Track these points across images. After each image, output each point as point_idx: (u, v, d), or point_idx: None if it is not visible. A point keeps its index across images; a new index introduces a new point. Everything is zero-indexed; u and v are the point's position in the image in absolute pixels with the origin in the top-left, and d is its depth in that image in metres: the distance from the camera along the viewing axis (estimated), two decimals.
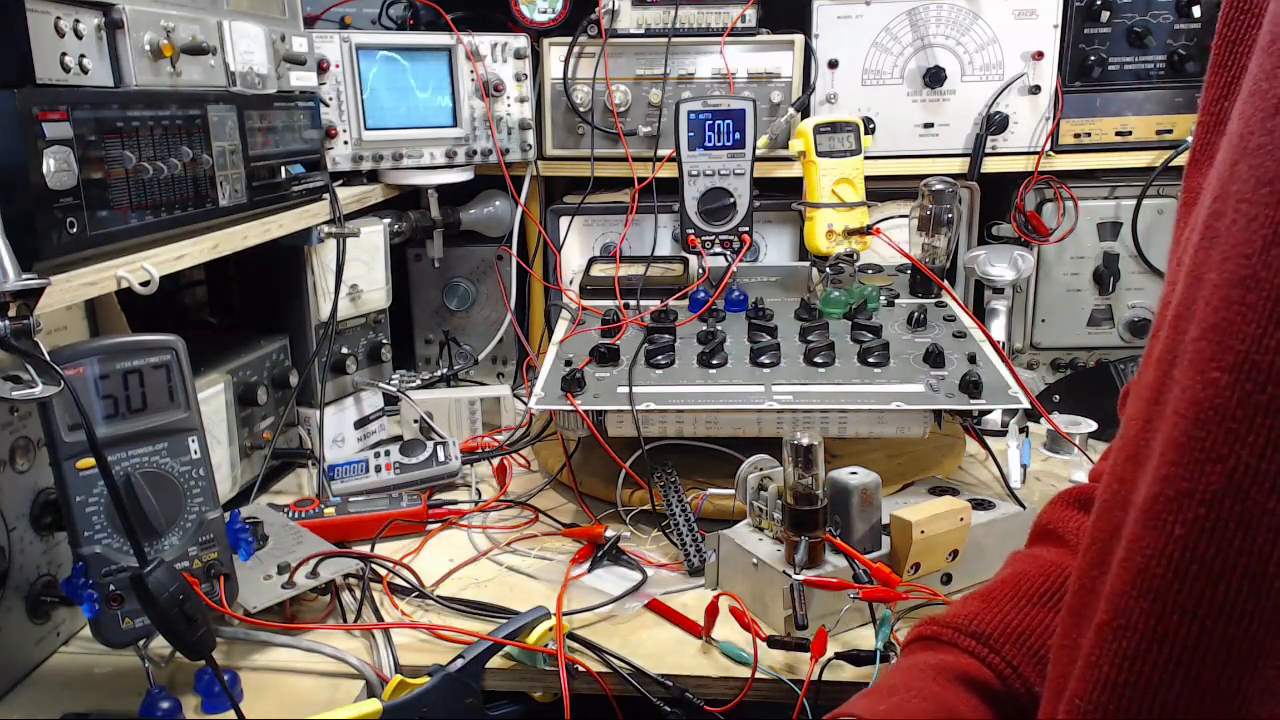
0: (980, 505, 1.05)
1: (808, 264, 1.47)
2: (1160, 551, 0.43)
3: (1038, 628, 0.66)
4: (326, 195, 1.30)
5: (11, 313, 0.71)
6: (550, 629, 0.93)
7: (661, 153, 1.56)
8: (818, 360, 1.17)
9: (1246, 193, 0.43)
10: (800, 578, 0.91)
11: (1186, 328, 0.45)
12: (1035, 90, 1.53)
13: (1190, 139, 1.63)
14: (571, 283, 1.53)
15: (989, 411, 1.26)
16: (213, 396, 1.16)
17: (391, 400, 1.50)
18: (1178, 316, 0.47)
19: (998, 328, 1.47)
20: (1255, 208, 0.42)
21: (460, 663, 0.90)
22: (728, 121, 1.36)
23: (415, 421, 1.44)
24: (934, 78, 1.52)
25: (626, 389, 1.13)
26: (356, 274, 1.39)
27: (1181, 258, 0.50)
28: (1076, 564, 0.52)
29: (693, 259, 1.48)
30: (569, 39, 1.54)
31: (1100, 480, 0.77)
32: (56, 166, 0.77)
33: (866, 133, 1.41)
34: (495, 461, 1.36)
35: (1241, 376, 0.41)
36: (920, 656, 0.68)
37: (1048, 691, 0.53)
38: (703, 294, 1.35)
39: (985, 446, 1.27)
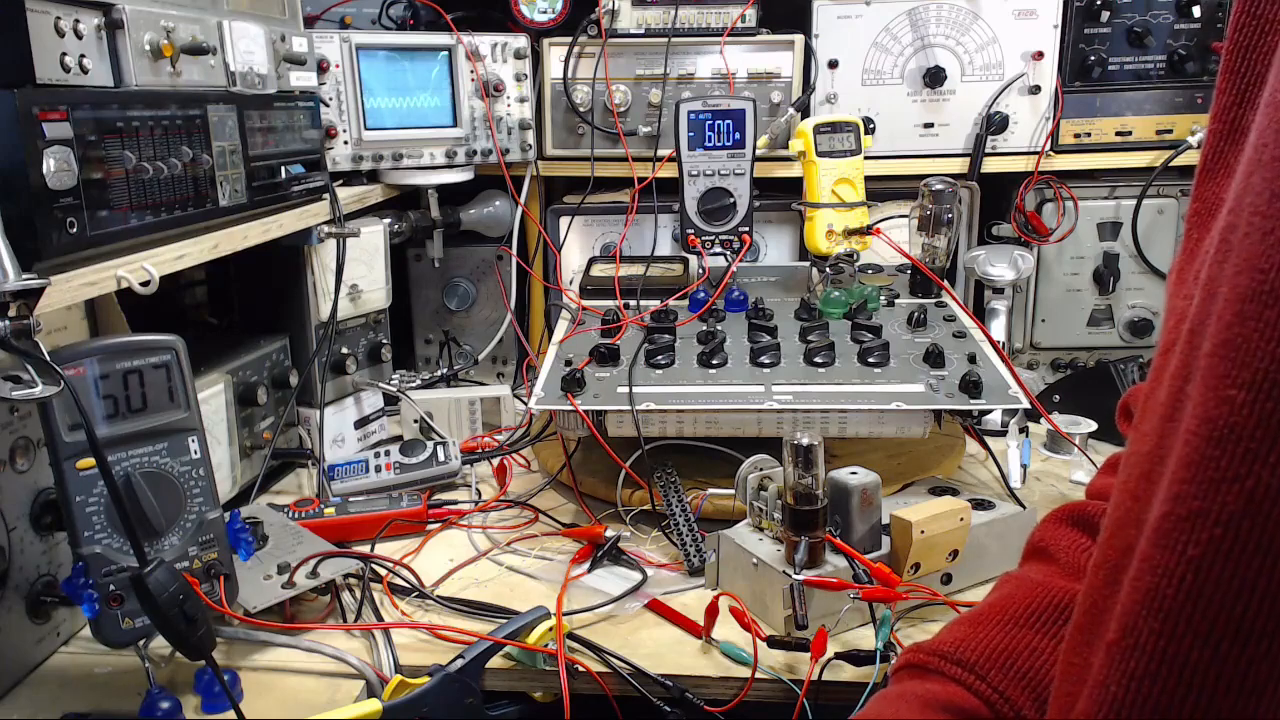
0: (980, 505, 1.05)
1: (808, 264, 1.47)
2: (1172, 572, 0.42)
3: (1024, 650, 0.65)
4: (326, 195, 1.30)
5: (11, 313, 0.71)
6: (550, 629, 0.93)
7: (661, 153, 1.56)
8: (818, 360, 1.17)
9: (1261, 205, 0.42)
10: (800, 578, 0.91)
11: (1200, 343, 0.44)
12: (1035, 90, 1.53)
13: (1189, 139, 1.63)
14: (571, 283, 1.53)
15: (989, 411, 1.26)
16: (213, 396, 1.16)
17: (391, 400, 1.50)
18: (1192, 332, 0.46)
19: (998, 328, 1.47)
20: (1270, 221, 0.42)
21: (460, 663, 0.90)
22: (728, 121, 1.36)
23: (415, 421, 1.44)
24: (934, 78, 1.52)
25: (626, 389, 1.13)
26: (356, 274, 1.39)
27: (1198, 271, 0.49)
28: (1085, 582, 0.51)
29: (693, 259, 1.48)
30: (569, 39, 1.54)
31: (1100, 496, 0.76)
32: (56, 166, 0.77)
33: (866, 133, 1.41)
34: (495, 461, 1.36)
35: (1261, 395, 0.40)
36: (907, 685, 0.67)
37: (1052, 711, 0.52)
38: (703, 294, 1.35)
39: (985, 446, 1.27)
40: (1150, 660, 0.42)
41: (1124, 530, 0.48)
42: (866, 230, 1.37)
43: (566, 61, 1.55)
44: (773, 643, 0.89)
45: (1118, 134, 1.54)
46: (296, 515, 1.15)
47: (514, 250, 1.63)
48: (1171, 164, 1.51)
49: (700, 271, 1.41)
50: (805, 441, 0.92)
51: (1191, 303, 0.48)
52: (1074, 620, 0.52)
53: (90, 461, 0.81)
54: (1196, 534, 0.41)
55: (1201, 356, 0.44)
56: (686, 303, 1.37)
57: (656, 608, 1.00)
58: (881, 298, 1.35)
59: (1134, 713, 0.43)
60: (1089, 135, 1.55)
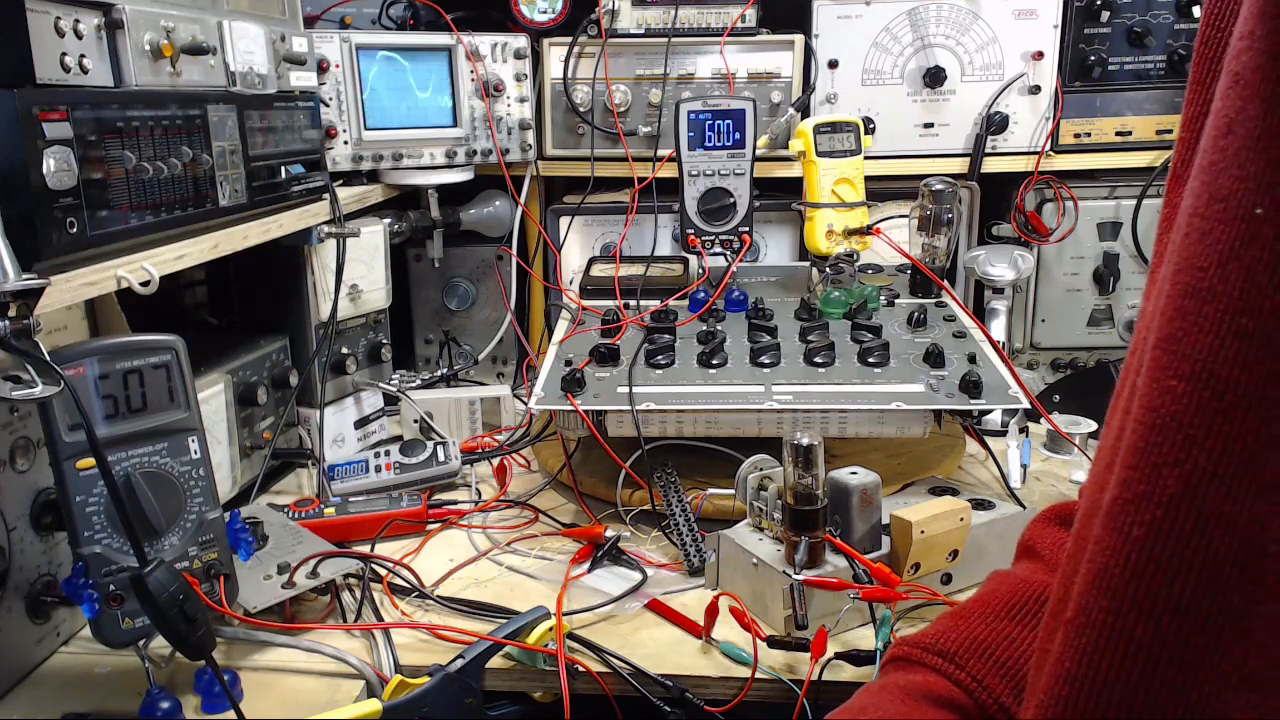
0: (980, 505, 1.05)
1: (808, 264, 1.47)
2: (1118, 551, 0.45)
3: (1003, 641, 0.67)
4: (326, 195, 1.30)
5: (11, 313, 0.71)
6: (550, 629, 0.93)
7: (661, 153, 1.56)
8: (818, 360, 1.17)
9: (1200, 207, 0.45)
10: (800, 578, 0.91)
11: (1149, 338, 0.47)
12: (1035, 90, 1.53)
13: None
14: (571, 283, 1.53)
15: (989, 411, 1.27)
16: (213, 396, 1.16)
17: (391, 400, 1.50)
18: (1147, 329, 0.48)
19: (998, 328, 1.47)
20: (1208, 222, 0.44)
21: (460, 663, 0.90)
22: (728, 121, 1.36)
23: (415, 421, 1.44)
24: (934, 78, 1.52)
25: (626, 389, 1.13)
26: (356, 274, 1.39)
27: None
28: (1059, 571, 0.53)
29: (693, 259, 1.48)
30: (569, 39, 1.54)
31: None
32: (56, 166, 0.77)
33: (866, 133, 1.41)
34: (495, 461, 1.36)
35: (1199, 385, 0.43)
36: (892, 678, 0.70)
37: (1028, 695, 0.54)
38: (703, 294, 1.35)
39: (985, 446, 1.27)
40: (1099, 636, 0.45)
41: (1090, 519, 0.50)
42: (866, 230, 1.37)
43: (566, 61, 1.55)
44: (773, 643, 0.89)
45: (1118, 134, 1.54)
46: (296, 515, 1.15)
47: (514, 250, 1.63)
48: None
49: (700, 271, 1.41)
50: (805, 441, 0.92)
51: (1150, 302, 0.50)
52: (1048, 607, 0.54)
53: (90, 461, 0.81)
54: (1140, 515, 0.44)
55: (1147, 350, 0.46)
56: (686, 303, 1.37)
57: (656, 608, 1.00)
58: (881, 298, 1.35)
59: (1086, 685, 0.45)
60: (1089, 135, 1.55)
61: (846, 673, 0.88)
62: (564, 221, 1.65)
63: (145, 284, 0.88)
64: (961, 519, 0.98)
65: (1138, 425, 0.45)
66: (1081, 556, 0.48)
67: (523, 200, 1.61)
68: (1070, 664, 0.46)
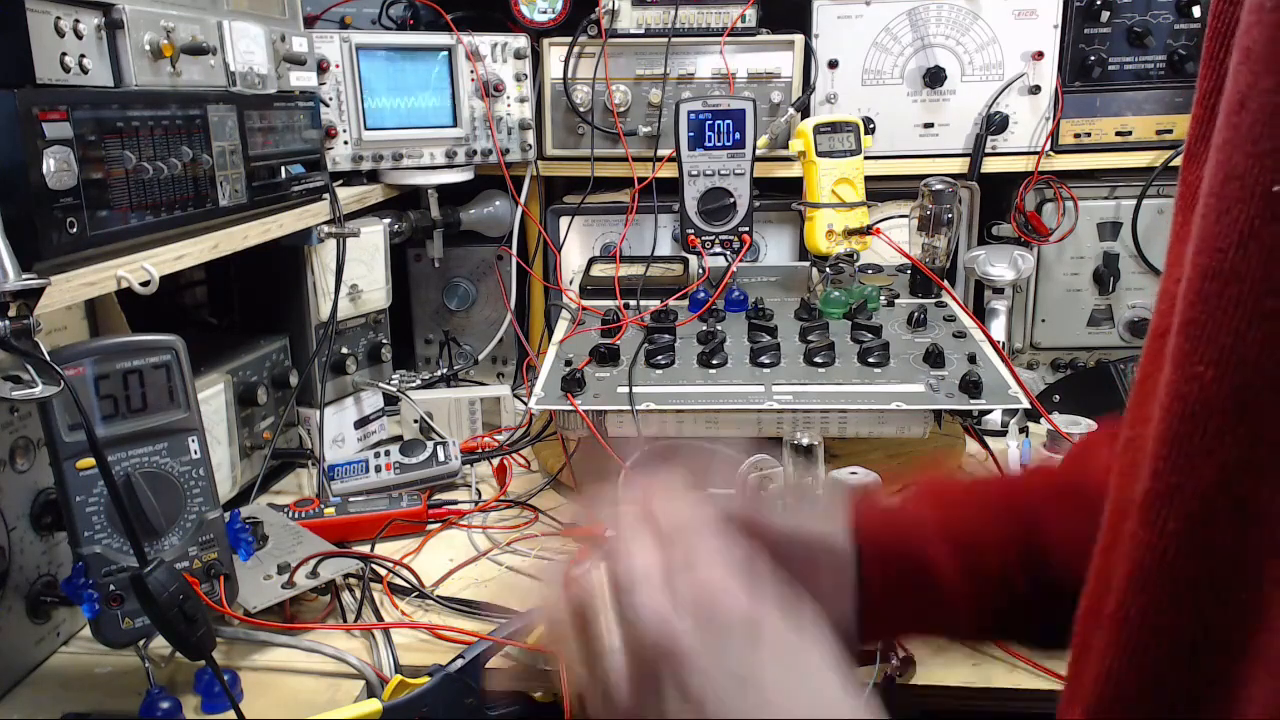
0: None
1: (808, 264, 1.47)
2: (1154, 546, 0.44)
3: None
4: (326, 195, 1.30)
5: (11, 313, 0.71)
6: None
7: (661, 153, 1.56)
8: (818, 360, 1.17)
9: (1216, 187, 0.44)
10: None
11: (1171, 324, 0.46)
12: (1035, 90, 1.53)
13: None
14: (571, 283, 1.53)
15: (989, 411, 1.27)
16: (213, 396, 1.16)
17: (391, 400, 1.50)
18: (1168, 308, 0.48)
19: (998, 328, 1.47)
20: (1225, 202, 0.43)
21: (460, 663, 0.90)
22: (728, 121, 1.36)
23: (415, 421, 1.44)
24: (934, 78, 1.52)
25: (626, 389, 1.13)
26: (356, 274, 1.39)
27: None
28: (1093, 562, 0.53)
29: (693, 259, 1.48)
30: (569, 39, 1.54)
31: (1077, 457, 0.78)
32: (56, 166, 0.77)
33: (866, 133, 1.41)
34: (495, 461, 1.36)
35: (1227, 370, 0.42)
36: None
37: (1066, 691, 0.53)
38: (703, 294, 1.35)
39: (985, 446, 1.27)
40: (1136, 631, 0.44)
41: (1123, 511, 0.49)
42: (866, 230, 1.37)
43: (566, 61, 1.55)
44: None
45: (1118, 134, 1.54)
46: (296, 515, 1.15)
47: (514, 250, 1.63)
48: (1171, 164, 1.50)
49: (700, 271, 1.41)
50: (805, 441, 0.92)
51: (1175, 285, 0.49)
52: (1083, 604, 0.53)
53: (90, 461, 0.81)
54: (1175, 508, 0.43)
55: (1171, 336, 0.45)
56: (686, 303, 1.37)
57: None
58: (881, 298, 1.35)
59: (1129, 681, 0.45)
60: (1089, 135, 1.55)
61: None
62: (564, 221, 1.65)
63: (145, 284, 0.88)
64: None
65: (1166, 414, 0.44)
66: (1116, 551, 0.48)
67: (523, 200, 1.61)
68: (1111, 660, 0.46)
